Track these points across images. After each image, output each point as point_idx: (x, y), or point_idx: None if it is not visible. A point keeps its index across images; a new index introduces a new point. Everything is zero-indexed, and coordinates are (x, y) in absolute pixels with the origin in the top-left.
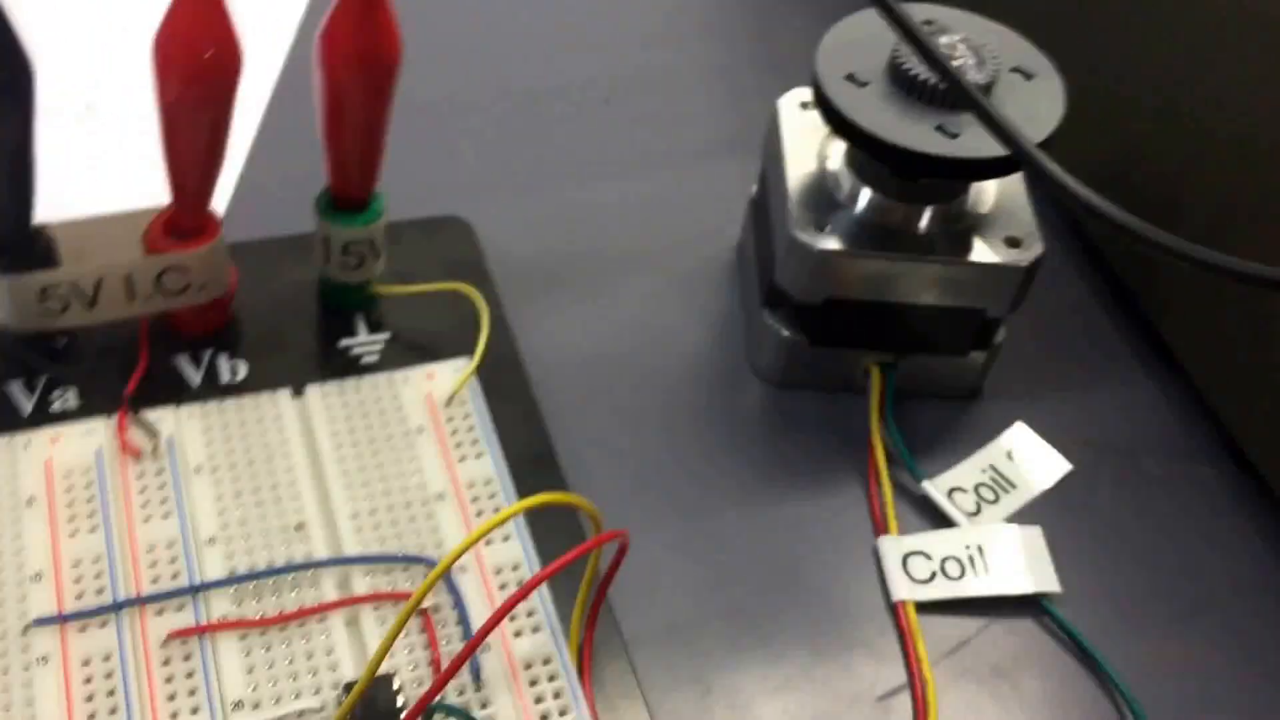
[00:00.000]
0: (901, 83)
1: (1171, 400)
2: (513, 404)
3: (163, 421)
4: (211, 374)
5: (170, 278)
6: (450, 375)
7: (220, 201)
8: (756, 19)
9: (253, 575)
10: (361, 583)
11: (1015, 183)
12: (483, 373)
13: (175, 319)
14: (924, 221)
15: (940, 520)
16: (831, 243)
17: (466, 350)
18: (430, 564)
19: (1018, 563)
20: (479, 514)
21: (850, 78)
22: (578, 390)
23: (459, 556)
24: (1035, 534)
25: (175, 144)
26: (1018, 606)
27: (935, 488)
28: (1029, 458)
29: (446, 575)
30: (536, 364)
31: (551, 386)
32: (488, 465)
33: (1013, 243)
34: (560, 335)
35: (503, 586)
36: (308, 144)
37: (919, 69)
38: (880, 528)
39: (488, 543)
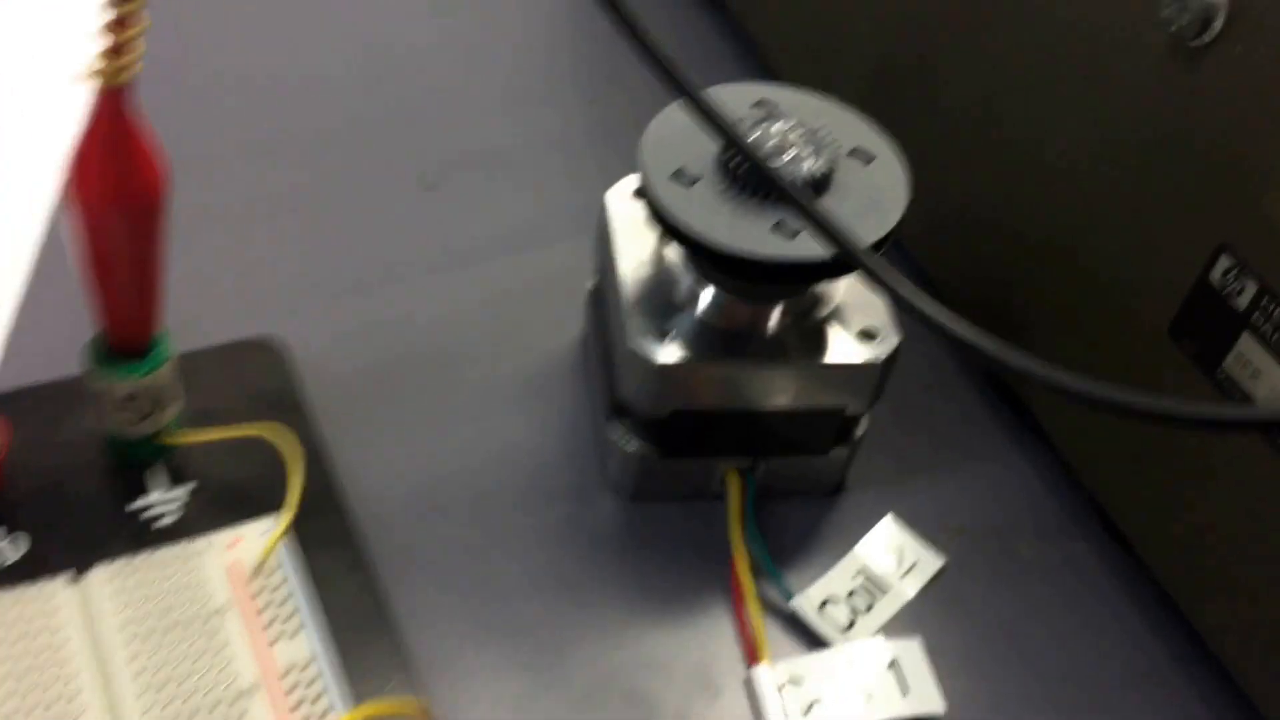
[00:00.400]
0: (734, 178)
1: (1043, 476)
2: (335, 557)
3: None
4: None
5: None
6: (258, 537)
7: None
8: (589, 83)
9: None
10: None
11: None
12: (299, 524)
13: None
14: (772, 321)
15: (815, 638)
16: (673, 353)
17: (280, 498)
18: None
19: (898, 684)
20: (297, 706)
21: (678, 174)
22: (412, 527)
23: None
24: (913, 648)
25: None
26: None
27: (806, 603)
28: (900, 555)
29: None
30: (363, 502)
31: (381, 527)
32: (305, 643)
33: (867, 335)
34: (390, 465)
35: None
36: None
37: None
38: (752, 656)
39: None
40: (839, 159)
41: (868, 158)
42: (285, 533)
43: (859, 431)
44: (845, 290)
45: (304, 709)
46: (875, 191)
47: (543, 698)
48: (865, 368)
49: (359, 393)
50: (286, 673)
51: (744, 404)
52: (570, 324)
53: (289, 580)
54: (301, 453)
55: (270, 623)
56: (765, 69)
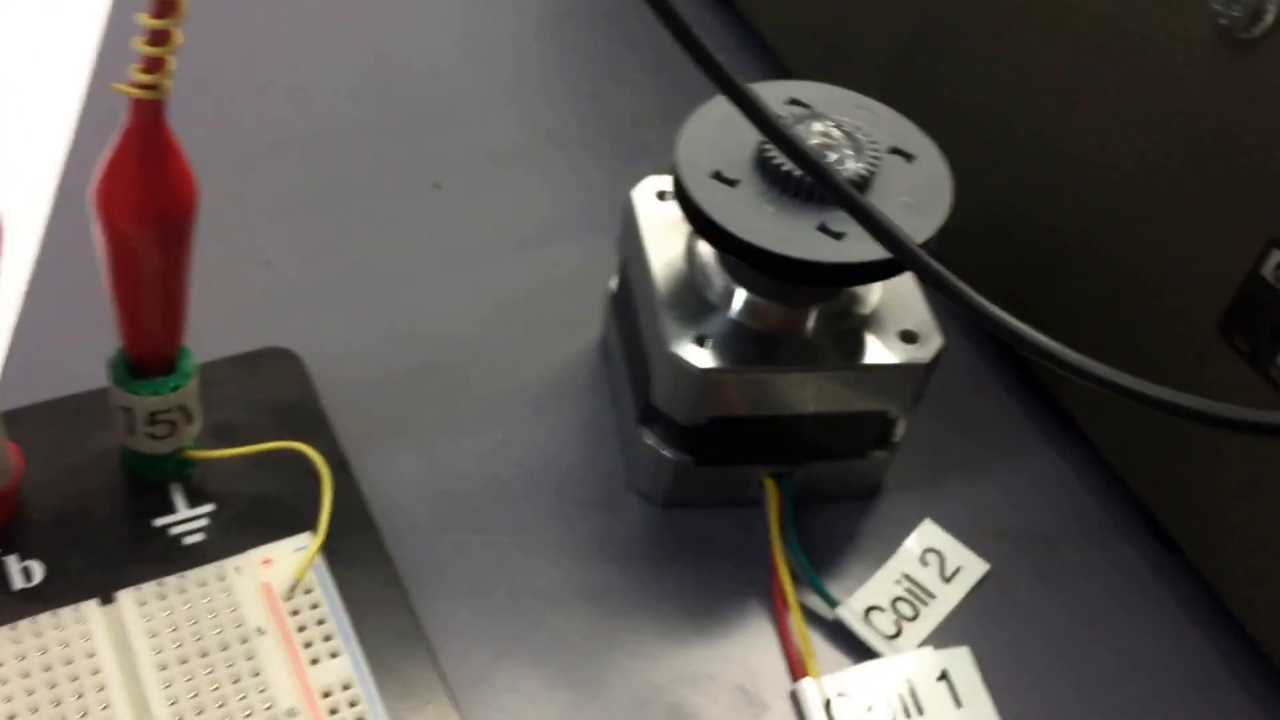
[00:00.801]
0: (775, 179)
1: (1084, 477)
2: (365, 574)
3: None
4: (0, 582)
5: None
6: (290, 556)
7: None
8: (586, 78)
9: None
10: None
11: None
12: (327, 540)
13: None
14: (809, 323)
15: (860, 647)
16: (712, 359)
17: (305, 514)
18: None
19: (950, 696)
20: None
21: (718, 175)
22: (437, 540)
23: None
24: (963, 657)
25: None
26: None
27: (851, 611)
28: (943, 560)
29: None
30: (386, 516)
31: (406, 541)
32: (345, 665)
33: (908, 337)
34: (409, 476)
35: None
36: (91, 285)
37: (792, 164)
38: (798, 669)
39: None
40: (881, 157)
41: (909, 155)
42: (319, 550)
43: (897, 434)
44: (884, 290)
45: None
46: (918, 190)
47: (583, 714)
48: (910, 369)
49: (373, 402)
50: (327, 695)
51: (786, 409)
52: (587, 324)
53: (324, 600)
54: (328, 466)
55: (308, 644)
56: (775, 65)
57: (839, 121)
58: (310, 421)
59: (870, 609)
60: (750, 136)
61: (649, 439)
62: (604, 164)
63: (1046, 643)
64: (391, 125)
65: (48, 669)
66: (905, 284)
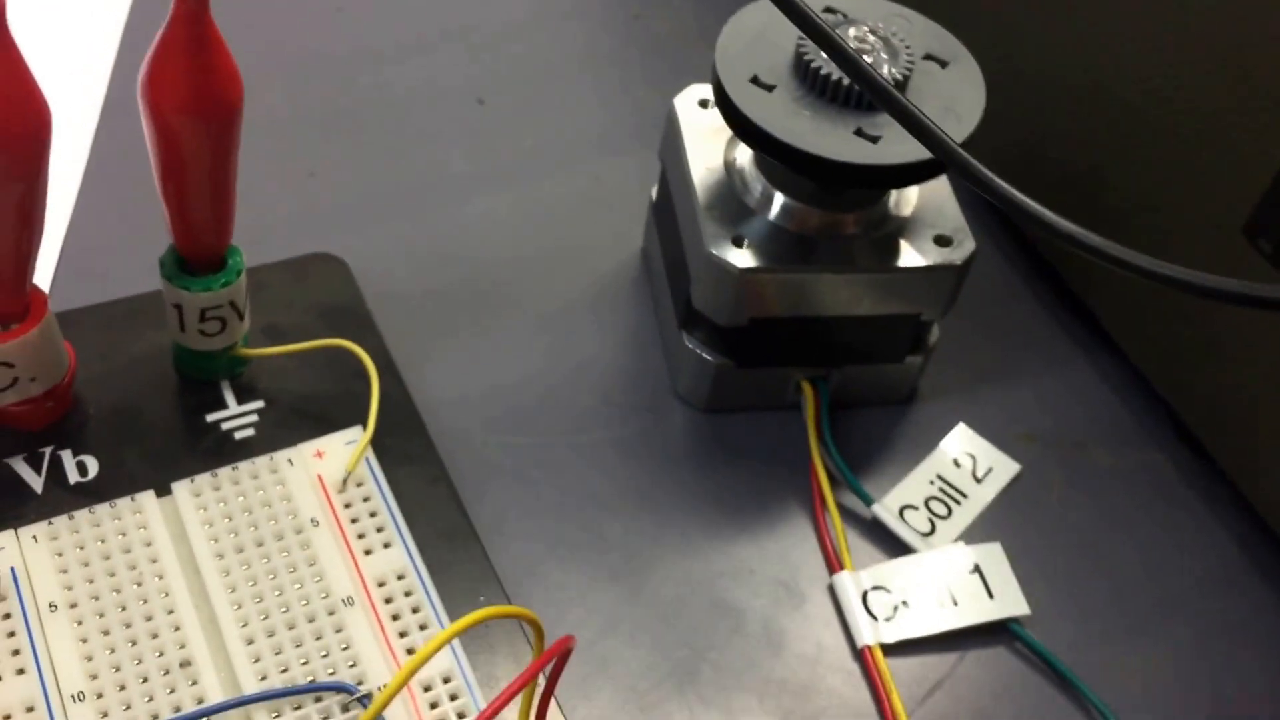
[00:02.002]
0: (812, 83)
1: (1115, 384)
2: (414, 471)
3: (2, 550)
4: (56, 476)
5: None
6: (341, 449)
7: (44, 268)
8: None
9: None
10: None
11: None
12: (377, 439)
13: (4, 416)
14: (845, 226)
15: (895, 544)
16: (750, 259)
17: (354, 412)
18: (347, 691)
19: (982, 587)
20: (395, 618)
21: (755, 80)
22: (484, 442)
23: (388, 702)
24: (995, 552)
25: None
26: (987, 633)
27: (886, 509)
28: (976, 462)
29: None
30: (434, 415)
31: (452, 443)
32: (399, 555)
33: (943, 241)
34: (456, 381)
35: (434, 706)
36: (141, 191)
37: (830, 68)
38: (835, 563)
39: (408, 651)
40: (916, 62)
41: (943, 61)
42: (369, 443)
43: (931, 339)
44: (919, 196)
45: (403, 620)
46: (953, 95)
47: (631, 608)
48: (941, 271)
49: (418, 309)
50: (382, 584)
51: (823, 310)
52: (628, 237)
53: (375, 493)
54: (376, 364)
55: (361, 534)
56: None
57: (874, 27)
58: (357, 324)
59: (905, 507)
60: (787, 42)
61: (690, 343)
62: (646, 81)
63: (1075, 540)
64: (434, 42)
65: (107, 557)
66: (939, 190)
